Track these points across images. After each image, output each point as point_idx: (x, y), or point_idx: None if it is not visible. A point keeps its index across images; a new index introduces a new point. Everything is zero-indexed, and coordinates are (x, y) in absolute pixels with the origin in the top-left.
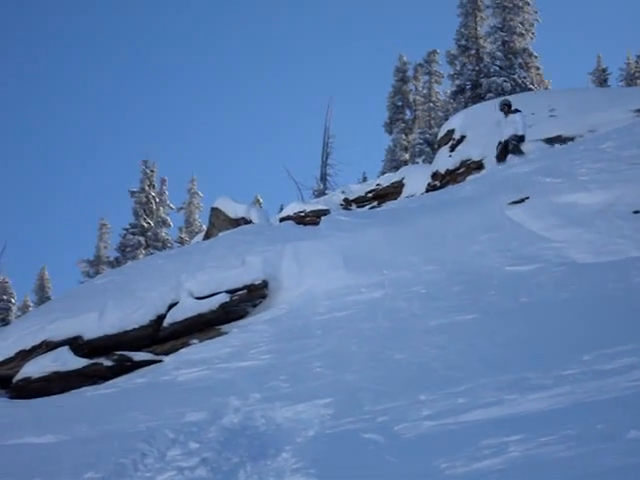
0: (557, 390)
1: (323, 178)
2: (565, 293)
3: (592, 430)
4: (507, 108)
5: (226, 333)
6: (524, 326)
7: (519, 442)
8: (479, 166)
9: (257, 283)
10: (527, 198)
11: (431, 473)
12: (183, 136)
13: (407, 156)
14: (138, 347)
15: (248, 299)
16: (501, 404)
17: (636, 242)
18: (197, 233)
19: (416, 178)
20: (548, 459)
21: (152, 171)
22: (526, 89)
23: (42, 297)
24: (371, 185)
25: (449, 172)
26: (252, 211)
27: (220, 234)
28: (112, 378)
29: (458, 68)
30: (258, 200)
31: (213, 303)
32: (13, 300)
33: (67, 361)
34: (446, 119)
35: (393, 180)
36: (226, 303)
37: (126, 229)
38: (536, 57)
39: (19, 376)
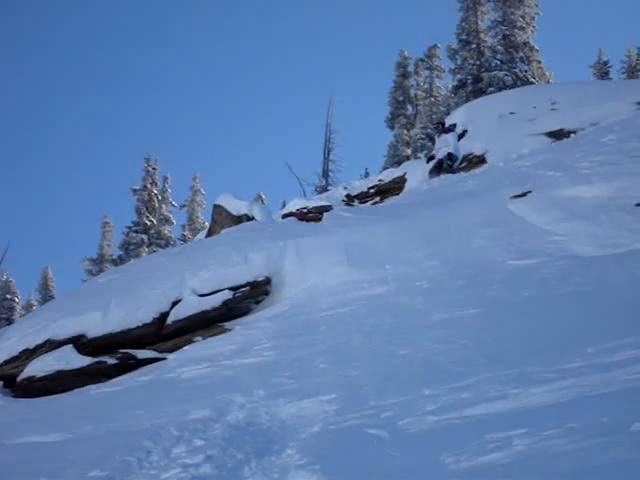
0: (561, 383)
1: (325, 174)
2: (568, 286)
3: (596, 423)
4: (441, 127)
5: (229, 330)
6: (527, 320)
7: (523, 436)
8: (481, 160)
9: (260, 280)
10: (529, 192)
11: (436, 468)
12: (185, 133)
13: (409, 151)
14: (142, 345)
15: (251, 296)
16: (505, 398)
17: (639, 235)
18: (200, 230)
19: (418, 173)
20: (553, 452)
21: (154, 169)
22: (527, 83)
23: (46, 296)
24: (373, 181)
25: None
26: (254, 208)
27: (223, 231)
28: (116, 376)
29: (459, 62)
30: (260, 197)
31: (216, 300)
32: (17, 299)
33: (71, 360)
34: (447, 114)
35: (395, 175)
36: (229, 300)
37: (129, 227)
38: (537, 51)
39: (23, 375)
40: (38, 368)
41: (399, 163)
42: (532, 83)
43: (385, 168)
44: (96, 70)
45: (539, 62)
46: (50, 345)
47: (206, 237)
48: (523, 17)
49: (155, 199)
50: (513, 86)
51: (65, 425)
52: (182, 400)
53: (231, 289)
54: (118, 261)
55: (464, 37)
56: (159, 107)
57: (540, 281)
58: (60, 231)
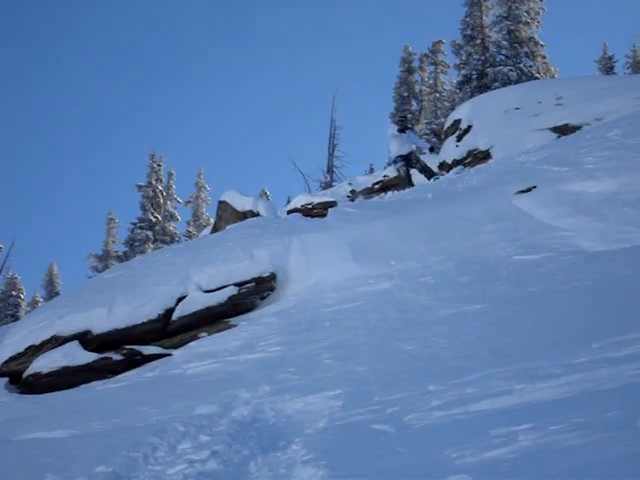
0: (567, 379)
1: (330, 170)
2: (574, 282)
3: (602, 418)
4: (401, 124)
5: (235, 326)
6: (533, 315)
7: (529, 431)
8: (486, 156)
9: (265, 276)
10: (534, 187)
11: (441, 463)
12: (190, 130)
13: (414, 147)
14: (147, 341)
15: (256, 292)
16: (511, 393)
17: None
18: (205, 227)
19: None
20: (558, 447)
21: (159, 165)
22: (532, 78)
23: (51, 292)
24: (378, 176)
25: (456, 162)
26: (259, 204)
27: (228, 227)
28: (122, 372)
29: (464, 58)
30: (265, 193)
31: (221, 296)
32: (22, 296)
33: (77, 356)
34: (452, 109)
35: None
36: (234, 296)
37: (134, 223)
38: (542, 46)
39: (29, 371)
40: (44, 364)
41: None
42: (537, 78)
43: (390, 164)
44: (102, 66)
45: (544, 57)
46: (56, 341)
47: (211, 233)
48: (528, 12)
49: (160, 195)
50: (518, 81)
51: (71, 421)
52: (187, 396)
53: (236, 285)
54: (123, 257)
55: (469, 32)
56: (164, 103)
57: (546, 276)
58: (65, 227)
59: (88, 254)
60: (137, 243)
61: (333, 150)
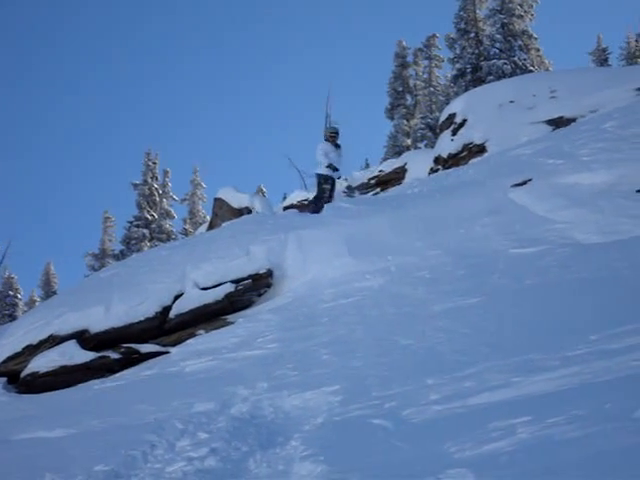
0: (564, 371)
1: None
2: (570, 274)
3: (600, 410)
4: (334, 136)
5: (232, 323)
6: (530, 308)
7: (527, 424)
8: (481, 149)
9: (262, 272)
10: (530, 180)
11: (440, 457)
12: (185, 127)
13: (409, 141)
14: (145, 339)
15: (253, 288)
16: (508, 386)
17: None
18: (201, 224)
19: (418, 163)
20: (557, 440)
21: (155, 163)
22: (526, 71)
23: (48, 292)
24: (374, 172)
25: (451, 156)
26: (255, 201)
27: (224, 224)
28: (120, 371)
29: (458, 52)
30: (261, 190)
31: (218, 293)
32: (19, 296)
33: (74, 355)
34: (447, 103)
35: (395, 166)
36: (231, 293)
37: (130, 222)
38: (536, 39)
39: (27, 371)
40: (41, 364)
41: (399, 154)
42: (531, 71)
43: (385, 159)
44: (96, 64)
45: (538, 50)
46: (53, 341)
47: (207, 230)
48: (521, 5)
49: (156, 193)
50: (512, 74)
51: (69, 420)
52: (186, 393)
53: (233, 282)
54: (120, 256)
55: (462, 26)
56: (159, 101)
57: (542, 269)
58: (62, 227)
59: (85, 253)
60: (133, 241)
61: None
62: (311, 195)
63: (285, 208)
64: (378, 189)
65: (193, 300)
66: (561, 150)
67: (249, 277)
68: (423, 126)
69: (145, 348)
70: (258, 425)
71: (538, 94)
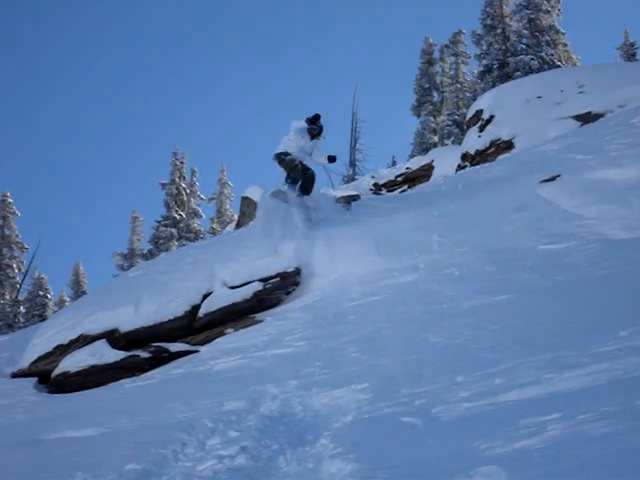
0: (594, 367)
1: (352, 164)
2: (600, 270)
3: (630, 406)
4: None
5: (261, 321)
6: (559, 305)
7: (557, 421)
8: (509, 146)
9: (290, 271)
10: (558, 176)
11: (471, 454)
12: (212, 127)
13: (436, 138)
14: (174, 338)
15: (281, 287)
16: (538, 383)
17: None
18: (229, 223)
19: (446, 160)
20: (587, 436)
21: (182, 162)
22: (554, 66)
23: (78, 292)
24: (401, 169)
25: (479, 153)
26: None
27: (251, 223)
28: (149, 370)
29: (484, 48)
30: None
31: (247, 292)
32: (49, 296)
33: (104, 354)
34: (474, 100)
35: (422, 163)
36: (260, 291)
37: (158, 221)
38: (563, 34)
39: (57, 371)
40: (72, 363)
41: (426, 150)
42: (559, 67)
43: (412, 156)
44: (125, 65)
45: (565, 45)
46: (83, 340)
47: (235, 229)
48: (548, 0)
49: (184, 193)
50: (539, 70)
51: (100, 419)
52: (215, 392)
53: (261, 280)
54: (148, 255)
55: (489, 22)
56: (186, 101)
57: (571, 265)
58: (91, 227)
59: (114, 253)
60: (162, 241)
61: (355, 143)
62: (338, 193)
63: None
64: (405, 186)
65: (222, 299)
66: (590, 146)
67: (277, 275)
68: (450, 123)
69: (174, 347)
70: (288, 423)
71: (566, 90)
